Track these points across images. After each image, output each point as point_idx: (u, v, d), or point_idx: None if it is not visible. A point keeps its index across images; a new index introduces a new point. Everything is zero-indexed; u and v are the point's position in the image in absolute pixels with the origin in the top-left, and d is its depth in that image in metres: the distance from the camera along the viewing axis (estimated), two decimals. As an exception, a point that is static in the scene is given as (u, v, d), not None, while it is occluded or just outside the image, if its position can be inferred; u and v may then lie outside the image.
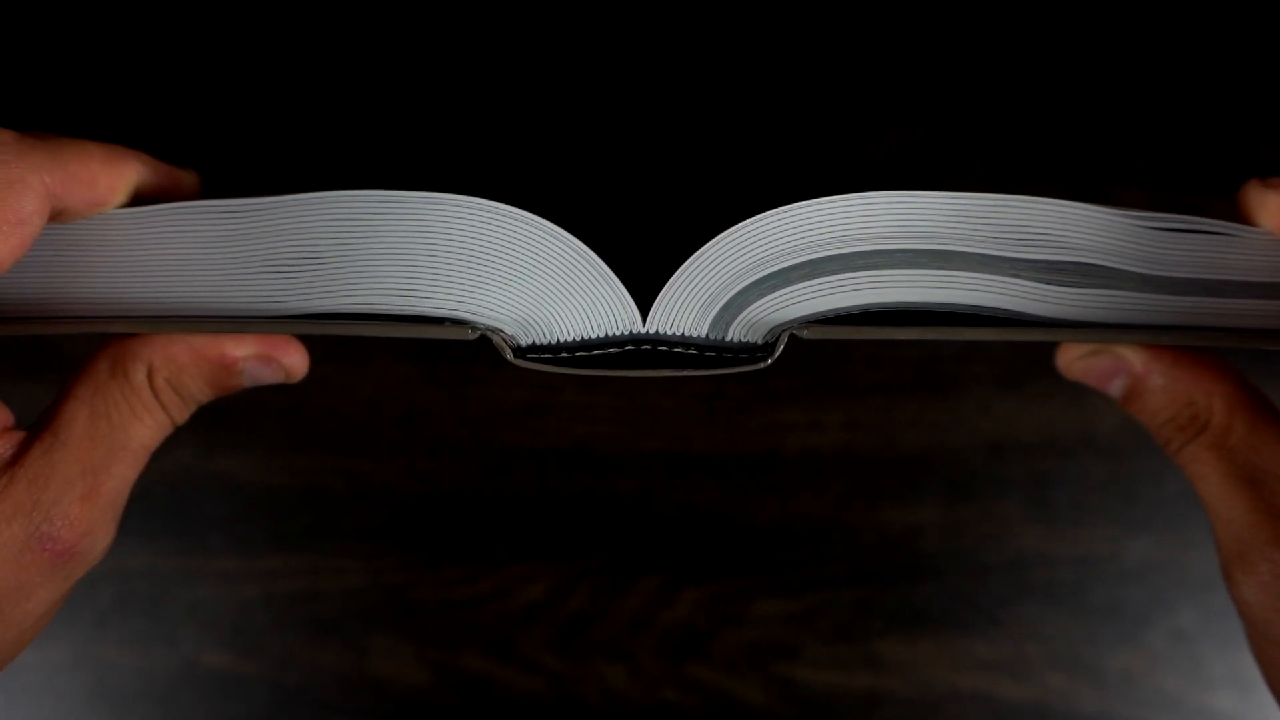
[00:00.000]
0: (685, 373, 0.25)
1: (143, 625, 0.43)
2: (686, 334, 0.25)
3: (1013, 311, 0.25)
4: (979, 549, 0.42)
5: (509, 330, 0.25)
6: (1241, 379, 0.28)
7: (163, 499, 0.42)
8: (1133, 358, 0.28)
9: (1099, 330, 0.25)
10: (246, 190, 0.26)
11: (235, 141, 0.42)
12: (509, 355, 0.25)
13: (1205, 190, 0.42)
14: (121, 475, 0.27)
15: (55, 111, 0.42)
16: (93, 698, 0.43)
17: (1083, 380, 0.30)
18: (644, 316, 0.25)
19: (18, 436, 0.26)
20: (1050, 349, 0.31)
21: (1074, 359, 0.30)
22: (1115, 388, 0.29)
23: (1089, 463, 0.42)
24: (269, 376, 0.29)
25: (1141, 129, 0.42)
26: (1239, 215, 0.26)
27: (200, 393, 0.28)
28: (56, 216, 0.25)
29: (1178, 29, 0.42)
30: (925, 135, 0.42)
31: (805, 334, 0.25)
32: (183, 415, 0.28)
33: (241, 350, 0.28)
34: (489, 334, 0.25)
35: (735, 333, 0.25)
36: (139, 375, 0.27)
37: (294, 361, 0.29)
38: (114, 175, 0.25)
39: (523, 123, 0.42)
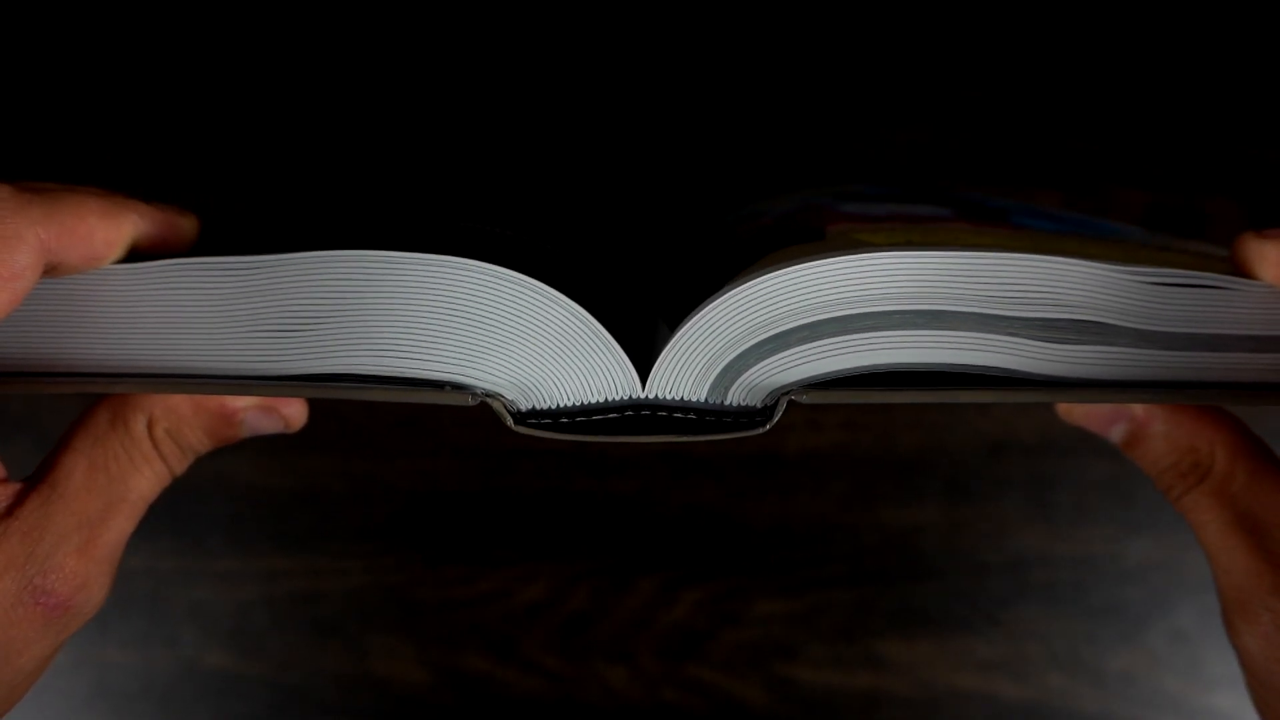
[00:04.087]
0: (685, 438, 0.25)
1: (143, 625, 0.43)
2: (686, 399, 0.25)
3: (1011, 370, 0.25)
4: (979, 549, 0.42)
5: (509, 395, 0.25)
6: (1242, 427, 0.28)
7: (163, 499, 0.42)
8: (1134, 404, 0.28)
9: (1097, 390, 0.25)
10: (241, 246, 0.26)
11: (233, 190, 0.42)
12: (509, 422, 0.25)
13: (1205, 190, 0.42)
14: (119, 528, 0.26)
15: (55, 147, 0.42)
16: (93, 698, 0.43)
17: (1083, 426, 0.30)
18: (643, 381, 0.25)
19: (12, 488, 0.26)
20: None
21: (1075, 404, 0.30)
22: (1116, 433, 0.29)
23: (1089, 463, 0.42)
24: (269, 426, 0.29)
25: (1141, 129, 0.42)
26: (1236, 262, 0.25)
27: (200, 444, 0.28)
28: (52, 271, 0.25)
29: (1177, 29, 0.42)
30: (925, 136, 0.42)
31: (804, 399, 0.25)
32: (182, 466, 0.28)
33: (242, 401, 0.28)
34: (488, 399, 0.25)
35: (734, 396, 0.25)
36: (139, 426, 0.27)
37: (293, 412, 0.29)
38: (111, 229, 0.25)
39: (522, 186, 0.42)
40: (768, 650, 0.43)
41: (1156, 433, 0.28)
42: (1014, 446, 0.42)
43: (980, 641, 0.42)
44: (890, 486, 0.42)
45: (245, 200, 0.42)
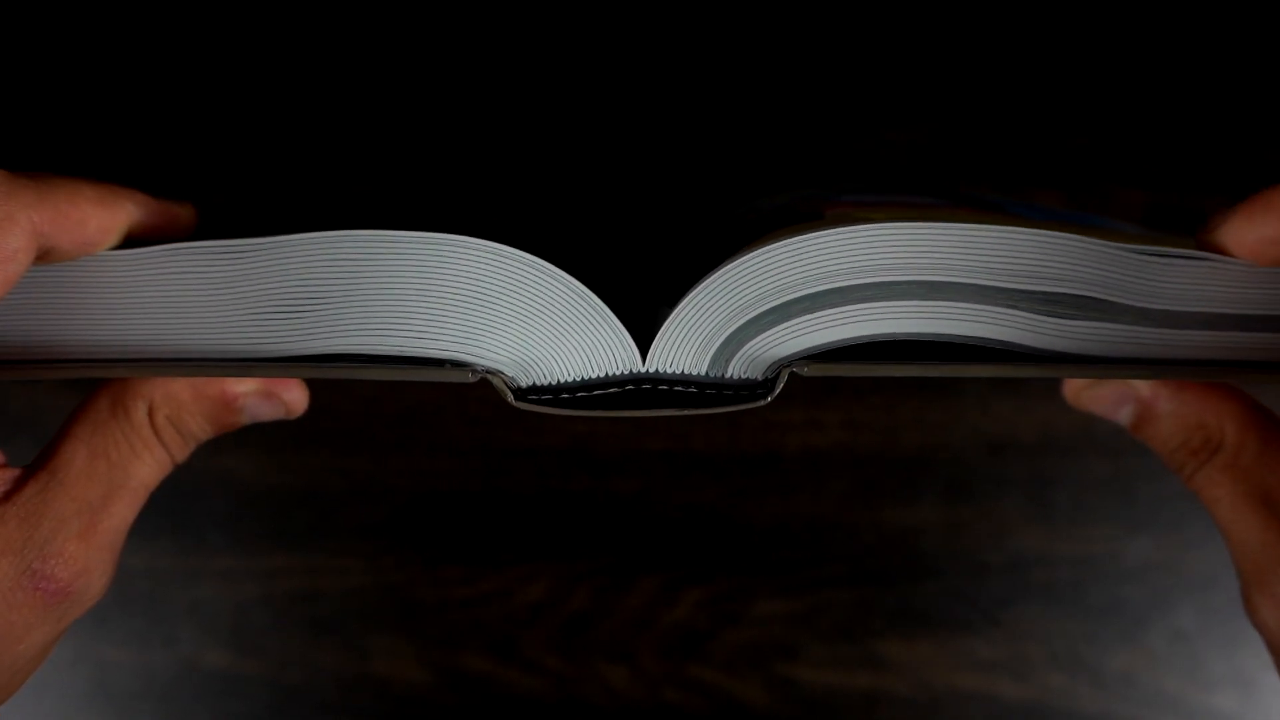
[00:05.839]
0: (686, 412, 0.25)
1: (142, 625, 0.42)
2: (686, 372, 0.25)
3: (1010, 343, 0.25)
4: (979, 549, 0.42)
5: (509, 372, 0.25)
6: (1250, 400, 0.28)
7: (163, 498, 0.42)
8: (1140, 384, 0.28)
9: (1098, 366, 0.25)
10: (240, 229, 0.25)
11: (230, 175, 0.42)
12: (510, 398, 0.25)
13: (1205, 190, 0.42)
14: (120, 514, 0.26)
15: (53, 138, 0.42)
16: (92, 696, 0.42)
17: (1090, 409, 0.30)
18: (643, 355, 0.25)
19: (11, 473, 0.26)
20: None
21: (1080, 389, 0.30)
22: (1123, 415, 0.29)
23: (1089, 462, 0.42)
24: (270, 412, 0.29)
25: (1141, 129, 0.42)
26: (1210, 246, 0.25)
27: (201, 430, 0.28)
28: (46, 256, 0.25)
29: (1178, 29, 0.42)
30: (926, 136, 0.42)
31: (805, 371, 0.25)
32: (183, 453, 0.28)
33: (242, 386, 0.28)
34: (489, 376, 0.25)
35: (735, 369, 0.25)
36: (139, 413, 0.27)
37: (294, 397, 0.29)
38: (106, 216, 0.25)
39: (520, 162, 0.42)
40: (768, 650, 0.43)
41: (1165, 411, 0.28)
42: (1014, 446, 0.42)
43: (980, 641, 0.42)
44: (890, 486, 0.42)
45: (243, 190, 0.42)
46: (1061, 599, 0.42)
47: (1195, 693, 0.42)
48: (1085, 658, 0.42)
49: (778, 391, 0.25)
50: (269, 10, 0.42)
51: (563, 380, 0.25)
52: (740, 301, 0.25)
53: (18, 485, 0.25)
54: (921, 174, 0.42)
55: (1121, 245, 0.25)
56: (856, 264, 0.24)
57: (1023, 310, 0.25)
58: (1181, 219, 0.42)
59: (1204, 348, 0.25)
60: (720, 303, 0.25)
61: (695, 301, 0.25)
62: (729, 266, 0.24)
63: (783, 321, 0.25)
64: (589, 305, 0.25)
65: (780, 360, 0.25)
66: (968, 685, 0.42)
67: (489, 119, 0.42)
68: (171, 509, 0.42)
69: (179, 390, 0.27)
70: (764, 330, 0.25)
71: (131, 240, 0.26)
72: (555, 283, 0.24)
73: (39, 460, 0.26)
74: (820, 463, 0.42)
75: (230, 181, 0.42)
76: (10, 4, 0.42)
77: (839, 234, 0.24)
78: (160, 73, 0.42)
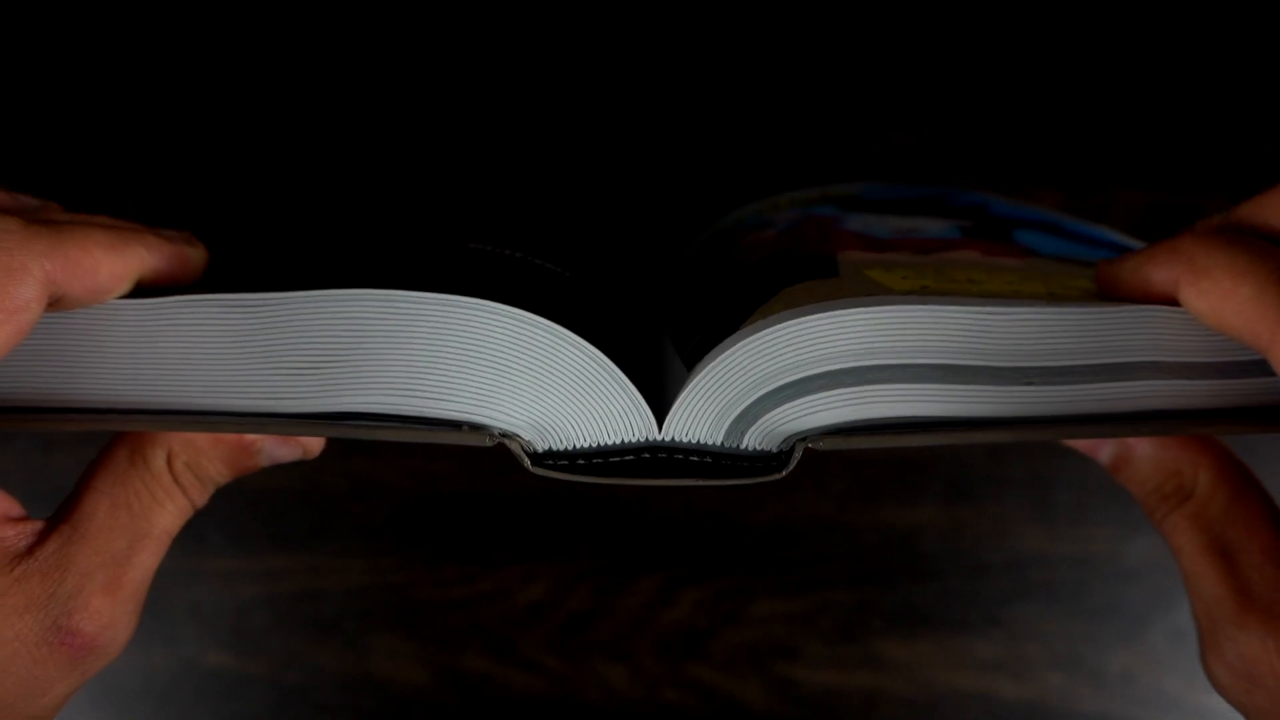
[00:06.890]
0: (701, 482, 0.25)
1: (144, 625, 0.42)
2: (702, 442, 0.25)
3: (1027, 417, 0.25)
4: (979, 549, 0.42)
5: (526, 435, 0.25)
6: (1227, 452, 0.28)
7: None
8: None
9: (1114, 424, 0.25)
10: (256, 282, 0.25)
11: (239, 200, 0.42)
12: (527, 464, 0.25)
13: (1205, 190, 0.42)
14: (144, 564, 0.26)
15: (67, 168, 0.42)
16: (93, 697, 0.43)
17: (1074, 446, 0.30)
18: (659, 423, 0.25)
19: (31, 526, 0.25)
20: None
21: None
22: (1104, 454, 0.29)
23: (1089, 463, 0.42)
24: (287, 455, 0.29)
25: (1141, 129, 0.42)
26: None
27: (219, 475, 0.28)
28: (57, 304, 0.24)
29: (1177, 29, 0.42)
30: (927, 137, 0.42)
31: (821, 445, 0.25)
32: (203, 499, 0.28)
33: None
34: (505, 440, 0.25)
35: (750, 441, 0.25)
36: (159, 461, 0.26)
37: (311, 440, 0.29)
38: (118, 262, 0.25)
39: (526, 203, 0.42)
40: (768, 650, 0.43)
41: (1143, 455, 0.28)
42: (1014, 446, 0.42)
43: (980, 641, 0.42)
44: (890, 486, 0.42)
45: (255, 226, 0.42)
46: (1061, 599, 0.42)
47: (1195, 693, 0.42)
48: (1085, 658, 0.42)
49: (793, 466, 0.25)
50: (282, 49, 0.42)
51: (579, 446, 0.25)
52: (757, 375, 0.24)
53: (40, 539, 0.25)
54: (922, 175, 0.42)
55: (1152, 308, 0.24)
56: (873, 346, 0.24)
57: (1037, 385, 0.24)
58: (1182, 219, 0.42)
59: (1220, 395, 0.25)
60: (737, 376, 0.25)
61: (712, 373, 0.24)
62: (745, 340, 0.24)
63: (800, 397, 0.24)
64: (606, 373, 0.25)
65: (796, 434, 0.25)
66: (968, 685, 0.42)
67: (493, 161, 0.42)
68: (172, 509, 0.42)
69: (196, 436, 0.27)
70: (780, 404, 0.25)
71: (143, 287, 0.26)
72: (573, 350, 0.24)
73: (60, 513, 0.26)
74: (820, 463, 0.42)
75: (242, 218, 0.42)
76: (35, 39, 0.42)
77: (856, 314, 0.24)
78: (171, 104, 0.42)
